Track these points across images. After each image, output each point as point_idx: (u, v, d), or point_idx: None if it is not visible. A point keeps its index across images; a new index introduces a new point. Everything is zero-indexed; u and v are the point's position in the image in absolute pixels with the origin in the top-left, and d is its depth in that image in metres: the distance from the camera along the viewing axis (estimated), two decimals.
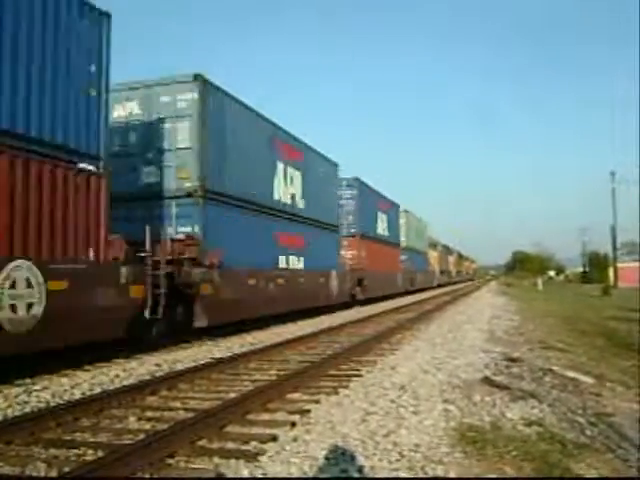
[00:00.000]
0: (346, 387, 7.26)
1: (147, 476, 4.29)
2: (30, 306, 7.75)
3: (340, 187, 23.27)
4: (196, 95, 12.06)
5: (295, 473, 4.26)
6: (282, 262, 16.09)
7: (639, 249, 64.53)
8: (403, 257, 35.05)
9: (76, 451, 4.86)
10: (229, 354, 10.26)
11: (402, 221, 35.63)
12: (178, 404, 6.64)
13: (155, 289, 10.35)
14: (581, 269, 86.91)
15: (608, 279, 52.20)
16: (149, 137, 12.21)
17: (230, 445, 5.00)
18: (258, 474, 4.26)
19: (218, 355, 10.29)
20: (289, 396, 6.84)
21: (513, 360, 9.29)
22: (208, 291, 11.83)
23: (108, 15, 9.61)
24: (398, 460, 4.50)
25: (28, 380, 7.94)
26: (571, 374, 8.02)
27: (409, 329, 14.59)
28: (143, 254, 10.24)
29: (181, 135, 12.07)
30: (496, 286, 64.95)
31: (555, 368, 8.48)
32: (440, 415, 5.83)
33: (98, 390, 7.30)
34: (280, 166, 16.10)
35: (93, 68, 9.39)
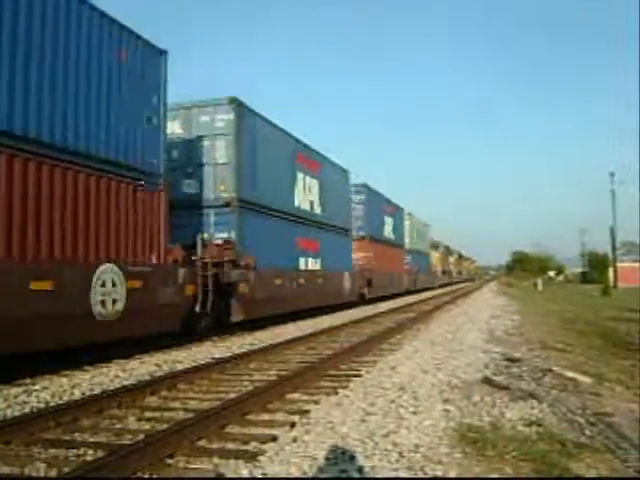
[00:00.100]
0: (346, 387, 7.26)
1: (147, 476, 4.29)
2: (115, 302, 9.25)
3: (350, 192, 24.53)
4: (232, 116, 13.60)
5: (295, 473, 4.26)
6: (302, 264, 17.58)
7: (639, 249, 64.59)
8: (407, 258, 36.40)
9: (76, 451, 4.86)
10: (229, 354, 10.26)
11: (406, 223, 36.89)
12: (178, 404, 6.64)
13: (204, 288, 11.72)
14: (581, 269, 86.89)
15: (608, 279, 52.18)
16: (190, 153, 13.60)
17: (230, 445, 5.01)
18: (258, 474, 4.26)
19: (218, 355, 10.29)
20: (289, 396, 6.84)
21: (513, 360, 9.29)
22: (244, 290, 13.31)
23: (165, 52, 11.06)
24: (398, 460, 4.50)
25: (28, 380, 7.94)
26: (570, 374, 8.02)
27: (409, 329, 14.60)
28: (194, 257, 11.70)
29: (219, 151, 13.56)
30: (496, 286, 64.95)
31: (555, 368, 8.48)
32: (440, 415, 5.83)
33: (98, 390, 7.31)
34: (300, 176, 17.70)
35: (155, 99, 10.78)
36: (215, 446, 4.99)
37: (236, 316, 13.10)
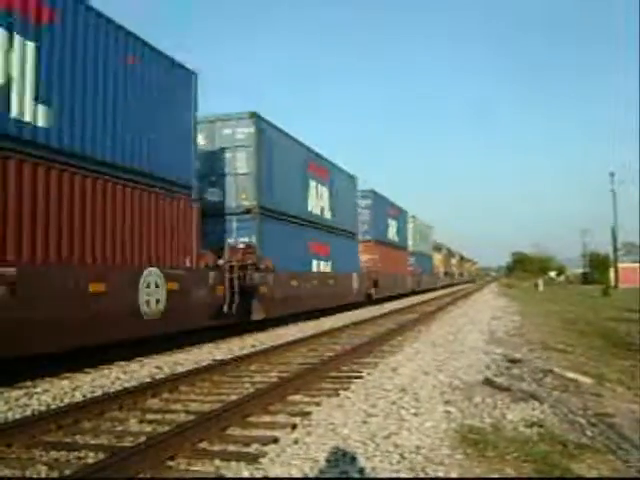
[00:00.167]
0: (347, 389, 7.26)
1: (148, 476, 4.29)
2: (158, 301, 10.28)
3: (356, 197, 25.51)
4: (252, 129, 14.55)
5: (296, 475, 4.27)
6: (314, 266, 18.66)
7: (639, 250, 64.55)
8: (411, 260, 37.34)
9: (77, 454, 4.86)
10: (230, 356, 10.26)
11: (410, 226, 37.72)
12: (179, 406, 6.64)
13: (231, 289, 12.78)
14: (582, 270, 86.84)
15: (609, 280, 52.16)
16: (213, 164, 14.31)
17: (231, 447, 5.01)
18: (259, 476, 4.26)
19: (219, 357, 10.29)
20: (290, 398, 6.84)
21: (514, 361, 9.28)
22: (264, 291, 14.36)
23: (196, 74, 12.03)
24: (399, 462, 4.50)
25: (29, 383, 7.94)
26: (571, 375, 8.02)
27: (410, 330, 14.59)
28: (221, 261, 12.74)
29: (240, 162, 14.53)
30: (497, 287, 64.94)
31: (556, 369, 8.48)
32: (441, 417, 5.83)
33: (99, 392, 7.31)
34: (312, 184, 18.82)
35: (187, 117, 11.84)
36: (216, 448, 5.00)
37: (257, 315, 14.09)
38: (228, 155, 14.57)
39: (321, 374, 8.22)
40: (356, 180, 24.73)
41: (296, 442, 5.01)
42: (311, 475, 4.27)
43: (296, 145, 17.66)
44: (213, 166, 14.29)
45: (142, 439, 5.08)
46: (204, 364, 9.38)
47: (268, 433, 5.36)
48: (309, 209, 18.45)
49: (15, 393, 7.28)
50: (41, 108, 8.17)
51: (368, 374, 8.30)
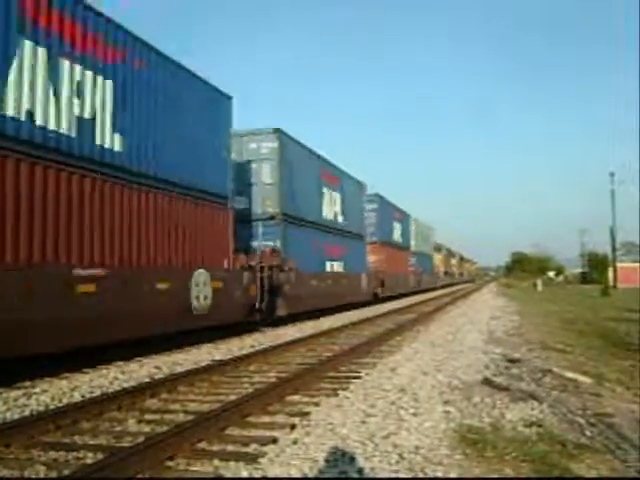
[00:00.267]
0: (346, 389, 7.26)
1: (147, 476, 4.29)
2: (205, 298, 11.87)
3: (364, 201, 26.96)
4: (276, 144, 16.16)
5: (295, 475, 4.26)
6: (328, 267, 20.39)
7: (639, 249, 64.59)
8: (412, 260, 38.72)
9: (75, 454, 4.85)
10: (229, 356, 10.25)
11: (412, 228, 38.97)
12: (178, 406, 6.64)
13: (261, 288, 14.48)
14: (580, 270, 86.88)
15: (607, 280, 52.18)
16: (240, 174, 15.43)
17: (230, 447, 5.00)
18: (258, 476, 4.26)
19: (218, 357, 10.29)
20: (289, 398, 6.84)
21: (513, 361, 9.29)
22: (288, 289, 15.91)
23: (231, 97, 13.72)
24: (398, 462, 4.50)
25: (27, 383, 7.93)
26: (570, 375, 8.02)
27: (409, 330, 14.60)
28: (252, 263, 14.33)
29: (265, 173, 16.13)
30: (496, 287, 64.99)
31: (555, 369, 8.48)
32: (440, 417, 5.83)
33: (98, 393, 7.30)
34: (326, 191, 20.55)
35: (224, 136, 13.46)
36: (215, 448, 4.99)
37: (281, 311, 15.66)
38: (254, 167, 16.15)
39: (320, 374, 8.22)
40: (364, 185, 26.36)
41: (295, 442, 5.01)
42: (310, 475, 4.26)
43: (312, 156, 19.31)
44: (241, 177, 15.43)
45: (141, 439, 5.08)
46: (203, 364, 9.38)
47: (267, 433, 5.36)
48: (324, 214, 20.17)
49: (14, 393, 7.27)
50: (117, 136, 9.71)
51: (367, 374, 8.30)
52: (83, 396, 7.14)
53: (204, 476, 4.36)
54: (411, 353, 10.43)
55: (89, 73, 9.13)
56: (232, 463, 4.53)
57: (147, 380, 8.11)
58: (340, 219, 22.03)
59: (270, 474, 4.28)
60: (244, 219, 15.20)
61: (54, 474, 4.41)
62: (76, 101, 8.91)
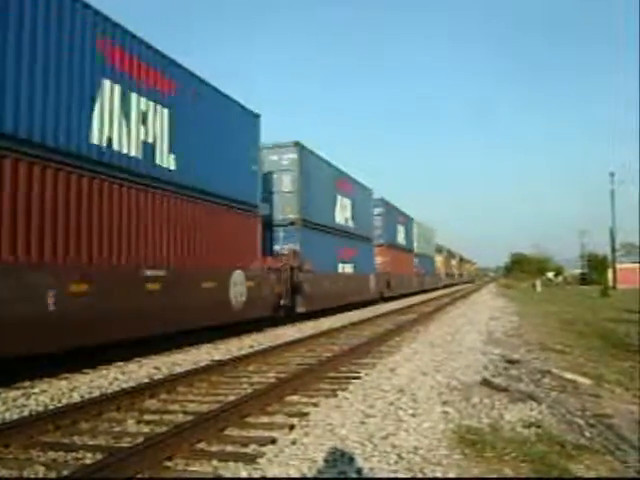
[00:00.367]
0: (345, 389, 7.26)
1: (146, 477, 4.29)
2: (241, 295, 13.56)
3: (371, 206, 28.64)
4: (296, 156, 17.82)
5: (294, 475, 4.26)
6: (340, 268, 22.02)
7: (639, 250, 64.56)
8: (415, 261, 40.39)
9: (74, 454, 4.85)
10: (228, 357, 10.26)
11: (415, 230, 40.48)
12: (177, 407, 6.64)
13: (285, 286, 16.22)
14: (580, 270, 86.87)
15: (607, 280, 52.18)
16: (263, 184, 16.17)
17: (229, 448, 5.01)
18: (257, 476, 4.26)
19: (217, 358, 10.29)
20: (288, 399, 6.84)
21: (512, 362, 9.29)
22: (306, 288, 17.48)
23: (259, 115, 15.14)
24: (397, 462, 4.50)
25: (27, 383, 7.93)
26: (570, 376, 8.02)
27: (408, 331, 14.60)
28: (279, 264, 16.10)
29: (285, 183, 17.73)
30: (495, 288, 65.02)
31: (554, 370, 8.48)
32: (439, 417, 5.83)
33: (97, 393, 7.30)
34: (339, 197, 22.20)
35: (254, 151, 14.85)
36: (214, 449, 4.99)
37: (300, 308, 17.24)
38: (275, 177, 17.72)
39: (319, 375, 8.22)
40: (371, 191, 27.92)
41: (294, 442, 5.01)
42: (309, 475, 4.26)
43: (326, 166, 21.02)
44: (263, 186, 16.38)
45: (140, 440, 5.08)
46: (202, 364, 9.37)
47: (266, 434, 5.36)
48: (337, 220, 21.83)
49: (13, 393, 7.27)
50: (171, 156, 11.21)
51: (366, 375, 8.30)
52: (82, 396, 7.14)
53: (203, 476, 4.36)
54: (410, 353, 10.44)
55: (151, 103, 10.70)
56: (231, 463, 4.53)
57: (146, 381, 8.11)
58: (351, 224, 23.56)
59: (269, 474, 4.28)
60: (266, 224, 16.35)
61: (53, 474, 4.42)
62: (142, 128, 10.42)
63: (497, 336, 13.41)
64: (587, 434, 5.25)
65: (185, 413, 6.25)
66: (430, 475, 4.25)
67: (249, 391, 7.22)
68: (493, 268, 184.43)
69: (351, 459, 4.56)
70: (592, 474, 4.30)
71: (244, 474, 4.31)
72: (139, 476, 4.28)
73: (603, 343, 12.13)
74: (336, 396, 6.90)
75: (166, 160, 11.06)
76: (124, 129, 9.95)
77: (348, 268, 22.94)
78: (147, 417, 6.16)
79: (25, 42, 7.99)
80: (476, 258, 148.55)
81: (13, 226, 7.68)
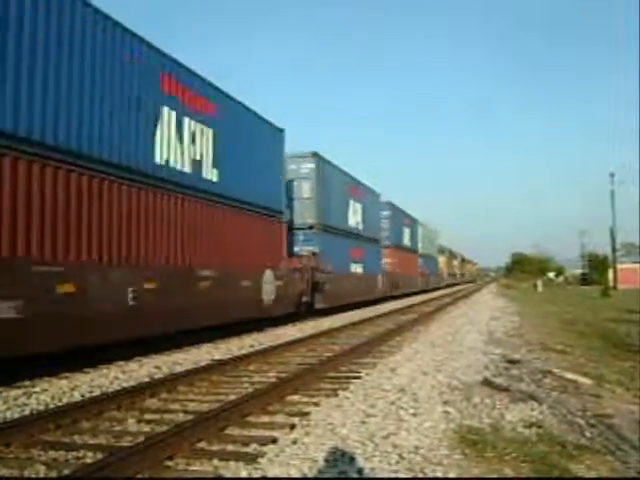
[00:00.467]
0: (346, 389, 7.26)
1: (147, 476, 4.29)
2: (271, 292, 15.18)
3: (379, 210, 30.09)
4: (313, 165, 19.58)
5: (294, 475, 4.26)
6: (352, 268, 23.73)
7: (639, 250, 64.52)
8: (420, 262, 41.77)
9: (75, 453, 4.85)
10: (229, 356, 10.26)
11: (419, 232, 41.86)
12: (177, 406, 6.64)
13: (307, 285, 17.95)
14: (581, 271, 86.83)
15: (607, 280, 52.14)
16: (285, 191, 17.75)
17: (230, 447, 5.01)
18: (257, 476, 4.26)
19: (218, 357, 10.29)
20: (289, 398, 6.84)
21: (513, 362, 9.29)
22: (324, 287, 19.18)
23: (283, 130, 16.80)
24: (398, 462, 4.50)
25: (27, 382, 7.93)
26: (570, 376, 8.02)
27: (409, 330, 14.60)
28: (300, 265, 17.75)
29: (304, 190, 19.43)
30: (496, 288, 65.03)
31: (554, 370, 8.48)
32: (440, 417, 5.83)
33: (97, 392, 7.30)
34: (351, 202, 23.90)
35: (279, 163, 16.48)
36: (215, 448, 4.99)
37: (319, 304, 18.91)
38: (295, 184, 19.23)
39: (320, 374, 8.22)
40: (379, 195, 29.47)
41: (295, 442, 5.01)
42: (310, 475, 4.26)
43: (340, 173, 22.63)
44: (285, 193, 17.69)
45: (140, 439, 5.08)
46: (203, 364, 9.38)
47: (267, 433, 5.36)
48: (349, 223, 23.48)
49: (14, 392, 7.27)
50: (214, 170, 12.81)
51: (367, 374, 8.30)
52: (83, 395, 7.15)
53: (204, 476, 4.36)
54: (411, 353, 10.43)
55: (199, 125, 12.31)
56: (232, 463, 4.53)
57: (147, 380, 8.11)
58: (361, 226, 25.22)
59: (270, 474, 4.28)
60: (288, 228, 17.65)
61: (54, 474, 4.42)
62: (192, 147, 12.02)
63: (498, 336, 13.41)
64: (588, 434, 5.25)
65: (186, 412, 6.25)
66: (431, 475, 4.25)
67: (250, 390, 7.22)
68: (494, 268, 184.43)
69: (352, 459, 4.55)
70: (593, 474, 4.29)
71: (245, 474, 4.31)
72: (139, 476, 4.28)
73: (604, 343, 12.12)
74: (337, 396, 6.90)
75: (210, 174, 12.70)
76: (178, 149, 11.55)
77: (359, 268, 24.56)
78: (148, 416, 6.16)
79: (116, 88, 9.79)
80: (477, 258, 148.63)
81: (98, 235, 9.23)
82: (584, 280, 76.32)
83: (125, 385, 7.72)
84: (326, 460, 4.52)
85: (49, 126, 8.34)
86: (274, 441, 5.05)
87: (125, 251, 9.73)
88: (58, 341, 8.23)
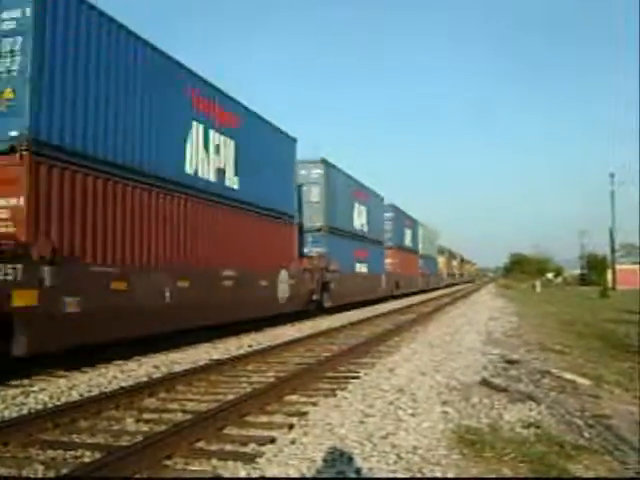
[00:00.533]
0: (344, 389, 7.26)
1: (145, 476, 4.29)
2: (285, 291, 16.33)
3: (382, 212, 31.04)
4: (322, 171, 20.64)
5: (293, 475, 4.26)
6: (357, 268, 24.79)
7: (639, 251, 64.52)
8: (421, 262, 42.67)
9: (73, 453, 4.85)
10: (227, 356, 10.25)
11: (420, 233, 42.66)
12: (176, 406, 6.64)
13: (317, 284, 18.99)
14: (580, 271, 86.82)
15: (606, 281, 52.14)
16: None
17: (228, 447, 5.01)
18: (256, 476, 4.26)
19: (216, 357, 10.28)
20: (287, 398, 6.84)
21: (511, 362, 9.29)
22: (332, 286, 20.34)
23: (296, 139, 18.01)
24: (396, 462, 4.50)
25: (26, 381, 7.93)
26: (569, 376, 8.02)
27: (407, 331, 14.60)
28: (310, 265, 18.72)
29: (313, 195, 20.40)
30: (494, 288, 65.04)
31: (553, 370, 8.48)
32: (438, 417, 5.83)
33: (96, 392, 7.29)
34: (356, 205, 25.00)
35: (291, 170, 17.69)
36: (213, 448, 4.99)
37: (327, 303, 19.99)
38: (304, 189, 20.07)
39: (318, 374, 8.22)
40: (382, 198, 30.49)
41: (293, 442, 5.00)
42: (308, 475, 4.26)
43: (346, 178, 23.62)
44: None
45: (139, 438, 5.08)
46: (201, 364, 9.37)
47: (265, 433, 5.36)
48: (354, 225, 24.57)
49: (12, 391, 7.26)
50: (236, 178, 13.92)
51: (365, 374, 8.30)
52: (81, 395, 7.14)
53: (202, 476, 4.36)
54: (409, 354, 10.43)
55: (222, 137, 13.40)
56: (230, 463, 4.53)
57: (145, 379, 8.10)
58: (366, 228, 26.30)
59: (268, 474, 4.28)
60: (298, 230, 18.52)
61: (52, 473, 4.41)
62: (216, 157, 13.11)
63: (496, 336, 13.41)
64: (586, 434, 5.25)
65: (184, 412, 6.25)
66: (429, 475, 4.25)
67: (248, 390, 7.22)
68: (493, 268, 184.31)
69: (350, 459, 4.55)
70: (591, 474, 4.29)
71: (243, 473, 4.31)
72: (138, 475, 4.27)
73: (602, 344, 12.13)
74: (335, 396, 6.90)
75: (232, 182, 13.80)
76: (205, 159, 12.64)
77: (363, 268, 25.70)
78: (146, 416, 6.15)
79: (155, 111, 10.90)
80: (476, 258, 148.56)
81: (140, 239, 10.32)
82: (583, 281, 76.34)
83: (124, 384, 7.72)
84: (324, 460, 4.52)
85: (128, 151, 10.06)
86: (272, 441, 5.05)
87: (162, 253, 10.84)
88: (113, 333, 9.45)
